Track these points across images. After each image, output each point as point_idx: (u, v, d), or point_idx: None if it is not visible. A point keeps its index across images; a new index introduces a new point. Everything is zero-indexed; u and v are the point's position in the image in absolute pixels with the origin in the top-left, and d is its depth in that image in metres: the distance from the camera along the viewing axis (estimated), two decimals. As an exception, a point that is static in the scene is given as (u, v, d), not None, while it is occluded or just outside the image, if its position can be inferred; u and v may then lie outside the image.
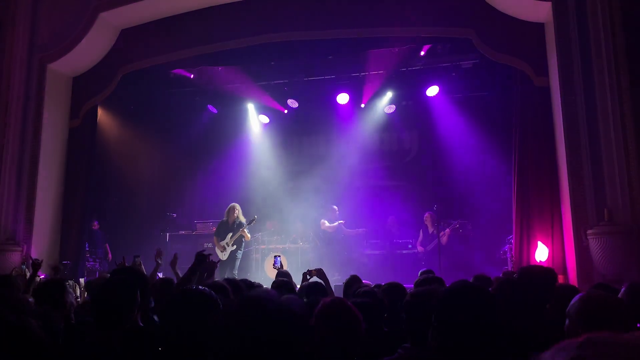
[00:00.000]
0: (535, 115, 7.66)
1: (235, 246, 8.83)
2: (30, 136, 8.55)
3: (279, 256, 9.75)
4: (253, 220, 9.03)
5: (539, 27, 7.48)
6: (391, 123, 11.77)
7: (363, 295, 3.06)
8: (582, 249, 6.34)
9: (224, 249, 8.82)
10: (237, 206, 9.03)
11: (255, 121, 12.30)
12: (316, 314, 2.16)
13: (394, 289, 3.34)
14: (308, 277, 5.51)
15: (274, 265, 9.44)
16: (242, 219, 8.94)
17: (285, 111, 12.00)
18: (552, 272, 2.85)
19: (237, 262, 8.82)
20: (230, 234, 8.84)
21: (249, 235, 8.93)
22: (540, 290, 2.56)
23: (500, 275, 5.74)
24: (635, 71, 6.31)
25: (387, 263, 9.81)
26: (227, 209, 9.08)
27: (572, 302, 1.88)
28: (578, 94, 6.59)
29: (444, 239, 9.14)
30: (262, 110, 12.04)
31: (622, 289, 2.62)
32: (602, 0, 6.55)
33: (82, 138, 9.32)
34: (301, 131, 12.39)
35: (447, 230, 9.29)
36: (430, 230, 9.41)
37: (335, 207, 10.32)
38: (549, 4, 6.96)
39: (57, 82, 9.00)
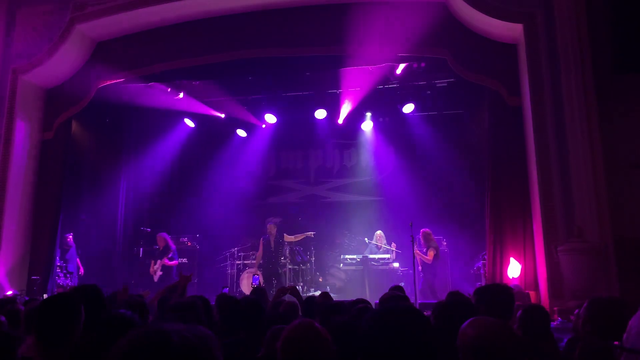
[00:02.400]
0: (508, 134, 7.83)
1: (163, 272, 9.77)
2: (1, 148, 8.37)
3: (258, 275, 9.69)
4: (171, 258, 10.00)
5: (512, 48, 7.68)
6: (368, 139, 11.88)
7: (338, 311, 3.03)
8: (553, 265, 6.47)
9: (154, 273, 9.74)
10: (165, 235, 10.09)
11: (232, 135, 12.26)
12: (282, 339, 2.05)
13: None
14: (282, 294, 5.50)
15: (252, 284, 9.40)
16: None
17: (263, 126, 12.01)
18: (510, 290, 2.89)
19: None
20: (159, 260, 9.79)
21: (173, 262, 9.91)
22: (497, 309, 2.59)
23: (472, 292, 5.79)
24: (602, 92, 6.54)
25: (363, 278, 9.81)
26: (158, 238, 10.04)
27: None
28: (548, 113, 6.78)
29: (429, 258, 9.12)
30: (240, 124, 12.02)
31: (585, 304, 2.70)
32: (571, 24, 6.80)
33: (54, 151, 9.16)
34: (279, 146, 12.41)
35: (431, 251, 9.20)
36: (424, 247, 9.31)
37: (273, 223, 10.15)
38: (521, 26, 7.17)
39: (30, 94, 8.86)
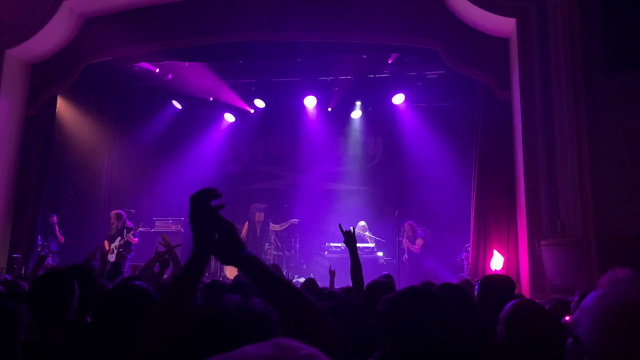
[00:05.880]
0: (497, 128, 7.89)
1: (122, 249, 9.29)
2: (-17, 123, 8.21)
3: None
4: (139, 225, 9.68)
5: (504, 42, 7.71)
6: (357, 128, 11.88)
7: (326, 297, 3.04)
8: (535, 259, 6.56)
9: (112, 251, 9.22)
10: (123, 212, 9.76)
11: (220, 119, 12.16)
12: None
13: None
14: None
15: None
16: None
17: (252, 111, 11.93)
18: (511, 282, 2.93)
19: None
20: (119, 238, 9.40)
21: (135, 239, 9.58)
22: (498, 300, 2.64)
23: (457, 282, 5.85)
24: (592, 90, 6.60)
25: (347, 267, 9.83)
26: (115, 215, 9.65)
27: (505, 307, 2.00)
28: (537, 109, 6.83)
29: (417, 248, 9.20)
30: (228, 108, 11.93)
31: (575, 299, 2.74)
32: (563, 21, 6.83)
33: (39, 128, 9.00)
34: (267, 132, 12.35)
35: (419, 240, 9.29)
36: (411, 237, 9.39)
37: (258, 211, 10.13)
38: (514, 20, 7.19)
39: (16, 69, 8.67)
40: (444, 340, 1.58)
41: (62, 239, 9.91)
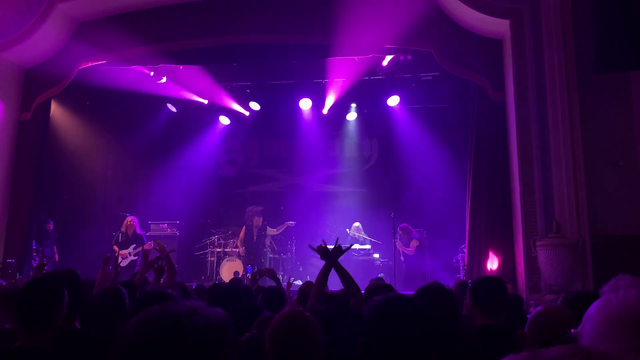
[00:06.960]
0: (491, 129, 7.92)
1: (136, 257, 9.23)
2: (-23, 128, 8.17)
3: (251, 266, 9.64)
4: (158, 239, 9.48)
5: (498, 43, 7.74)
6: (352, 130, 11.88)
7: (326, 301, 3.02)
8: (531, 260, 6.59)
9: (126, 257, 9.16)
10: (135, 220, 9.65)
11: (215, 122, 12.14)
12: (270, 326, 2.03)
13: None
14: (258, 277, 5.47)
15: (247, 274, 9.34)
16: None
17: (247, 113, 11.91)
18: (501, 282, 2.93)
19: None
20: (134, 245, 9.26)
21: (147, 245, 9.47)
22: (490, 301, 2.64)
23: (453, 284, 5.86)
24: (584, 91, 6.64)
25: (346, 267, 9.81)
26: (126, 222, 9.49)
27: (533, 312, 2.00)
28: (531, 110, 6.88)
29: (411, 250, 9.20)
30: (223, 111, 11.91)
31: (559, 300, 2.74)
32: (557, 22, 6.88)
33: (32, 132, 8.97)
34: (262, 134, 12.34)
35: (414, 242, 9.29)
36: (405, 239, 9.40)
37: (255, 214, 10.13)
38: (508, 21, 7.22)
39: (8, 73, 8.64)
40: (419, 350, 1.54)
41: (57, 257, 9.82)
